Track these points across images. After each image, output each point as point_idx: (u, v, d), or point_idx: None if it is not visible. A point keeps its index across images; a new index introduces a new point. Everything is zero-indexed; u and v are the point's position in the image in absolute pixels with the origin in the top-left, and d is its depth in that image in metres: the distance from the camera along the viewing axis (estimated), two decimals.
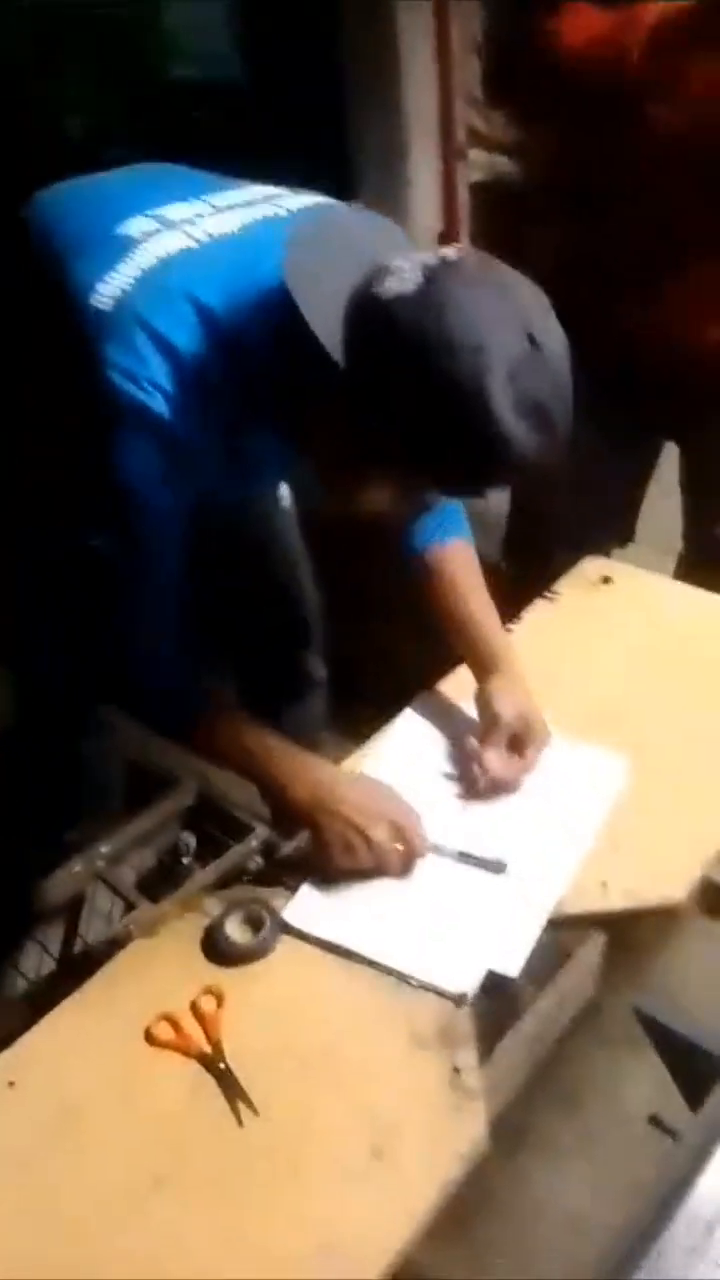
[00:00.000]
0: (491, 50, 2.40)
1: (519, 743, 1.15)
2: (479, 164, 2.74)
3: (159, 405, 0.94)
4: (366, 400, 0.88)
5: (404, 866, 1.05)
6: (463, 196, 2.75)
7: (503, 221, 2.75)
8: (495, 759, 1.14)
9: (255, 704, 1.70)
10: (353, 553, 1.43)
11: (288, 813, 1.10)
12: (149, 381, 0.93)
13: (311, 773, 1.07)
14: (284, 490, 1.53)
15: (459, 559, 1.23)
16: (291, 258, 0.90)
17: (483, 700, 1.17)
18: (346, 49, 2.69)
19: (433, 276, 0.86)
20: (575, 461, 1.68)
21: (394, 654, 2.16)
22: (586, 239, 1.55)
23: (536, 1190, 1.29)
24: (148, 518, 0.99)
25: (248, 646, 1.63)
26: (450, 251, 0.89)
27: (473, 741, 1.16)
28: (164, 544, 1.03)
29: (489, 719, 1.16)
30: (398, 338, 0.85)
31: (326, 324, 0.86)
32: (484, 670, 1.19)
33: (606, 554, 1.75)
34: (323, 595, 1.63)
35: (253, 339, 0.96)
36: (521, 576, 1.84)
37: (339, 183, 2.69)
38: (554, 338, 0.89)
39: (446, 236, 2.90)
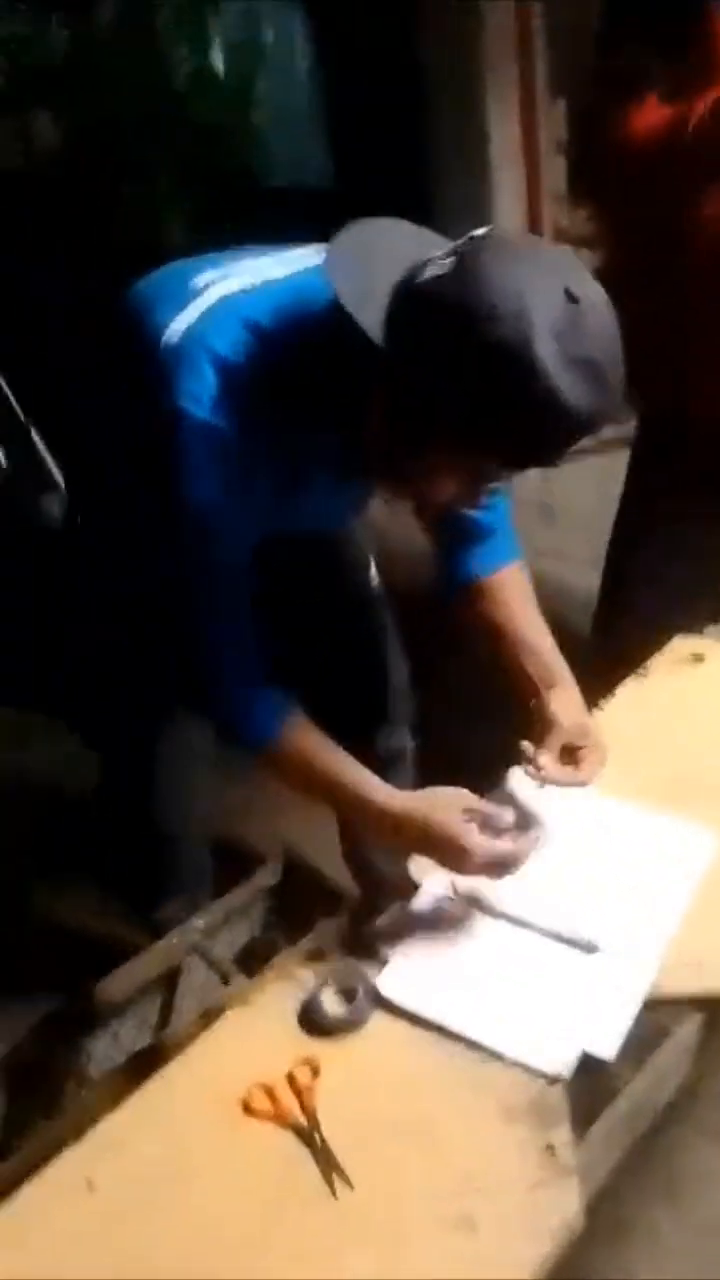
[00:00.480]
0: (573, 148, 2.50)
1: (574, 753, 1.15)
2: None
3: (219, 419, 0.98)
4: (413, 378, 0.89)
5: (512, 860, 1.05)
6: None
7: None
8: (550, 761, 1.13)
9: None
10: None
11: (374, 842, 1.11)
12: (209, 398, 0.98)
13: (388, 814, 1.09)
14: (373, 571, 1.57)
15: (512, 582, 1.24)
16: (332, 258, 0.95)
17: (539, 708, 1.17)
18: (435, 152, 2.82)
19: (465, 253, 0.89)
20: (663, 542, 1.72)
21: (457, 733, 2.17)
22: (660, 322, 1.59)
23: None
24: (217, 538, 1.03)
25: (337, 719, 1.65)
26: (478, 231, 0.92)
27: (527, 744, 1.15)
28: (234, 562, 1.06)
29: (544, 723, 1.15)
30: (436, 313, 0.87)
31: (367, 310, 0.90)
32: (541, 685, 1.19)
33: (698, 632, 1.76)
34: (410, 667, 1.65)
35: (305, 345, 1.00)
36: (611, 655, 1.85)
37: None
38: (593, 291, 0.90)
39: None
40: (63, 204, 2.83)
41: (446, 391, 0.89)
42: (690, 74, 1.45)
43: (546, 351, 0.86)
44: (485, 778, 1.24)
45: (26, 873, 1.94)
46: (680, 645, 1.47)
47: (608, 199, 1.74)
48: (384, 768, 1.65)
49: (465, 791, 1.09)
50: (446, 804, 1.07)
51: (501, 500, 1.27)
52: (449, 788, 1.10)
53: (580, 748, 1.15)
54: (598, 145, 1.63)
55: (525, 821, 1.14)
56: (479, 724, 1.33)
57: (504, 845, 1.05)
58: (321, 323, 0.98)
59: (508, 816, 1.08)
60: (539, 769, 1.13)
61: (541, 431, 0.91)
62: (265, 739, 1.11)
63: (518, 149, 2.62)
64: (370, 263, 0.94)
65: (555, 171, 2.58)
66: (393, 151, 2.79)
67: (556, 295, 0.87)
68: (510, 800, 1.19)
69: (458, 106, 2.66)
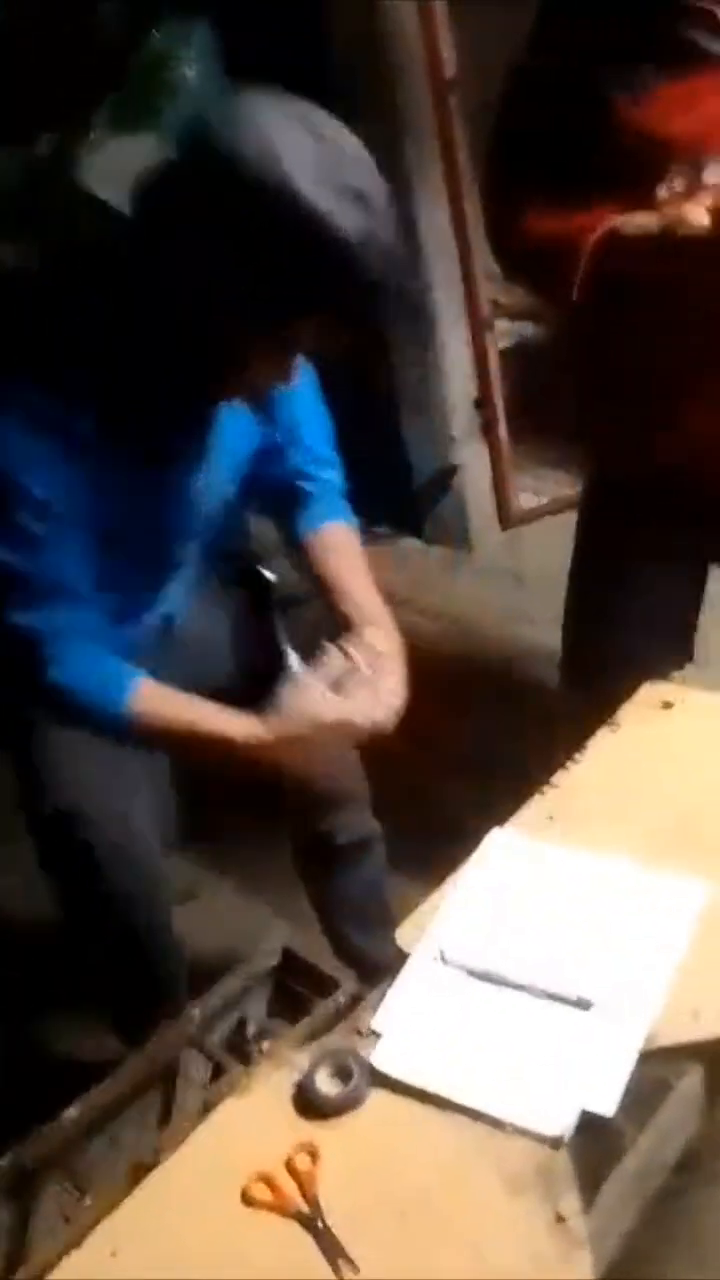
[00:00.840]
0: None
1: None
2: (505, 332, 2.93)
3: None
4: (180, 250, 0.91)
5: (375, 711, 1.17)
6: (494, 363, 2.92)
7: (534, 381, 2.90)
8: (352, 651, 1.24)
9: (313, 873, 1.72)
10: None
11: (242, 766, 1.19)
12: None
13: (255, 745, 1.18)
14: (293, 660, 1.59)
15: (339, 535, 1.38)
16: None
17: (348, 638, 1.26)
18: None
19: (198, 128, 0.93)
20: (628, 588, 1.75)
21: (436, 791, 2.18)
22: (605, 379, 1.63)
23: None
24: (42, 506, 1.08)
25: (290, 818, 1.65)
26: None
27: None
28: (61, 530, 1.10)
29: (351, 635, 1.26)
30: (184, 177, 0.90)
31: (113, 193, 0.97)
32: (354, 622, 1.28)
33: (666, 678, 1.79)
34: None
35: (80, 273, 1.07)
36: (581, 707, 1.87)
37: (375, 361, 2.88)
38: (343, 133, 0.93)
39: (482, 402, 3.06)
40: None
41: (214, 249, 0.90)
42: (586, 181, 1.43)
43: (303, 180, 0.87)
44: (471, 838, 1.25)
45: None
46: (649, 693, 1.48)
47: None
48: (347, 855, 1.64)
49: (302, 680, 1.20)
50: (294, 700, 1.15)
51: (330, 472, 1.45)
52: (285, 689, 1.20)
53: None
54: (498, 242, 1.65)
55: (369, 658, 1.24)
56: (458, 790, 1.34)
57: (364, 692, 1.16)
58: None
59: (337, 661, 1.18)
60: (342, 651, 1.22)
61: (318, 262, 0.91)
62: (117, 715, 1.18)
63: (447, 233, 2.71)
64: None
65: (486, 251, 2.68)
66: None
67: (304, 136, 0.90)
68: (334, 655, 1.25)
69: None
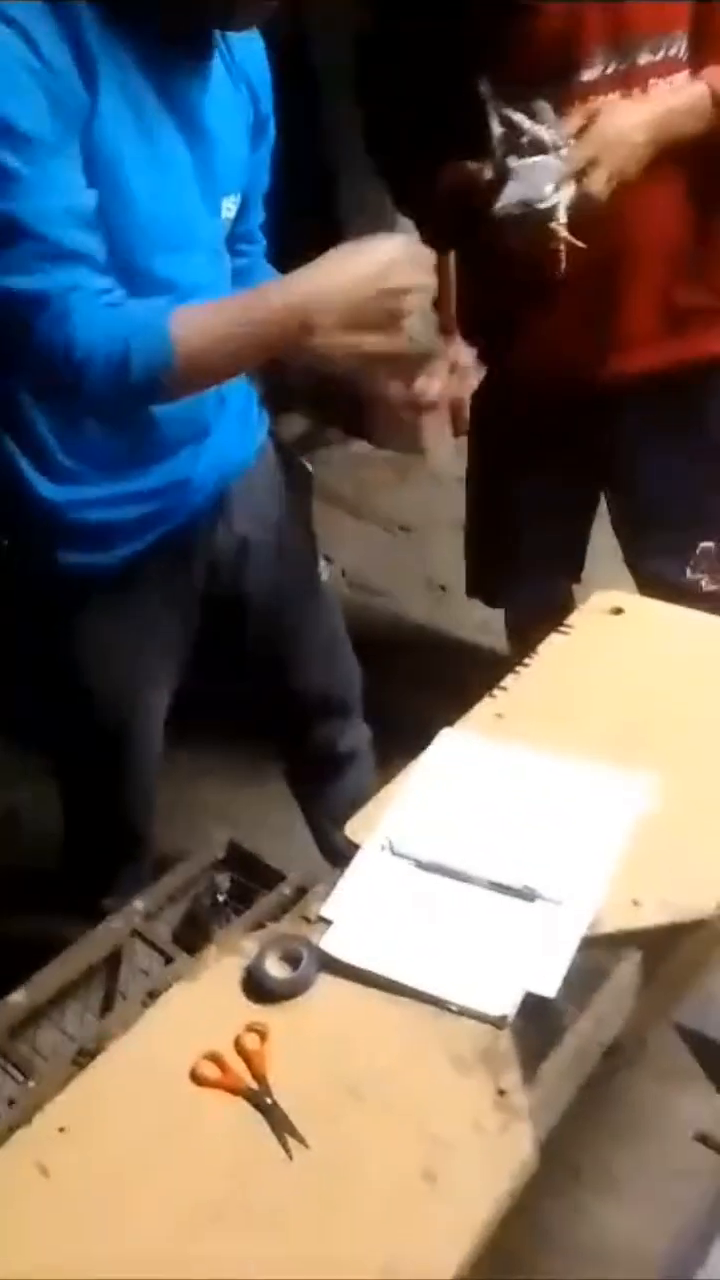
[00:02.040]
0: None
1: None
2: None
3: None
4: None
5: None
6: (451, 274, 2.86)
7: None
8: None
9: (302, 781, 1.75)
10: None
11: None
12: None
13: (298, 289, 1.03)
14: (323, 565, 1.58)
15: None
16: None
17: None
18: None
19: None
20: (516, 503, 1.77)
21: (408, 698, 2.20)
22: (481, 294, 1.66)
23: (594, 1225, 1.27)
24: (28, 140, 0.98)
25: (294, 727, 1.67)
26: None
27: None
28: (58, 173, 1.00)
29: None
30: None
31: None
32: None
33: (559, 594, 1.84)
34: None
35: None
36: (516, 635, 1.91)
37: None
38: None
39: (438, 306, 3.00)
40: None
41: None
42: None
43: None
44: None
45: None
46: (599, 599, 1.49)
47: None
48: (346, 762, 1.69)
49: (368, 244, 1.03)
50: (348, 254, 1.02)
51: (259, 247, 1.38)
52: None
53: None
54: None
55: None
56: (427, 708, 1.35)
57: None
58: None
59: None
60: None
61: None
62: (164, 350, 1.03)
63: None
64: None
65: None
66: None
67: None
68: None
69: None
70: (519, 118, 1.24)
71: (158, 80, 1.08)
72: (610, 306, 1.53)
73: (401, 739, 1.32)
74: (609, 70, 1.38)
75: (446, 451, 3.12)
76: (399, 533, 3.09)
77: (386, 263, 1.02)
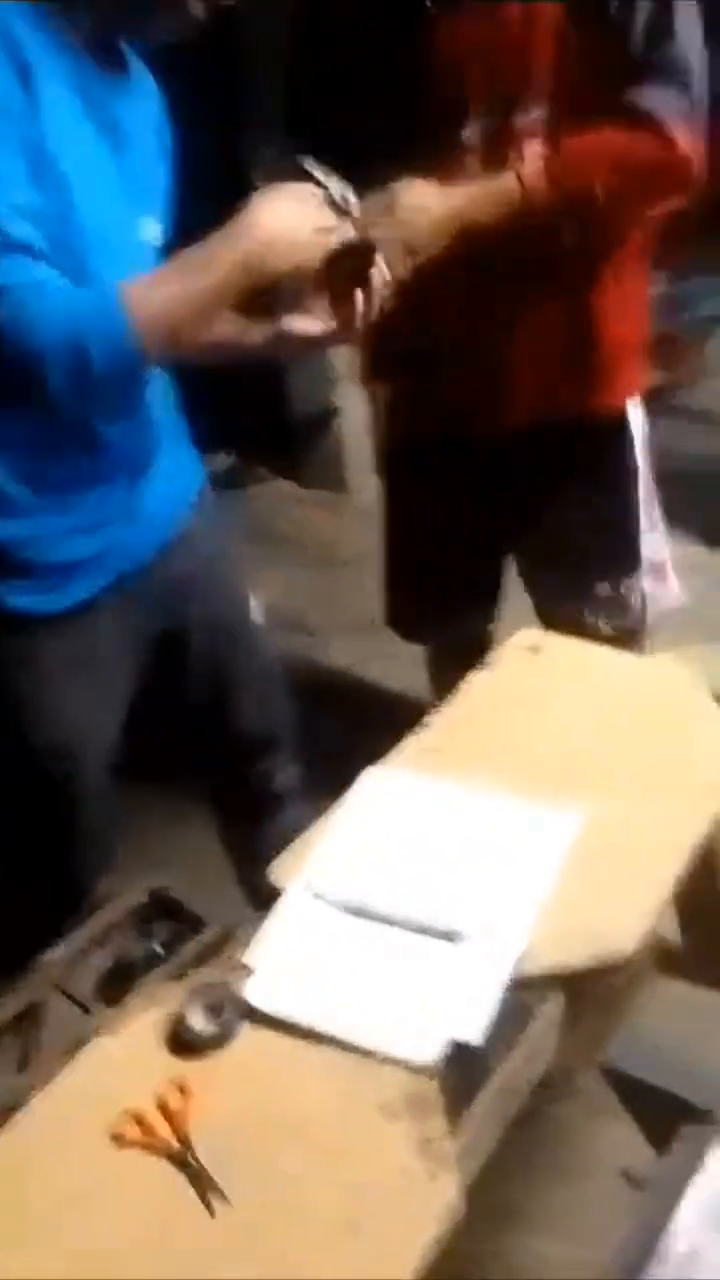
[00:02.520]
0: None
1: None
2: None
3: None
4: None
5: None
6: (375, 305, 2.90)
7: None
8: None
9: (233, 821, 1.72)
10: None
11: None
12: None
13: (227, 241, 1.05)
14: (254, 605, 1.57)
15: None
16: None
17: None
18: None
19: None
20: (433, 542, 1.80)
21: (336, 737, 2.20)
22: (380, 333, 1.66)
23: (524, 1264, 1.26)
24: None
25: (224, 768, 1.65)
26: None
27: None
28: None
29: None
30: None
31: None
32: None
33: (483, 633, 1.86)
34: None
35: None
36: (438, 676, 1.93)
37: None
38: None
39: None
40: None
41: None
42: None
43: None
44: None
45: None
46: (518, 638, 1.51)
47: None
48: (279, 801, 1.67)
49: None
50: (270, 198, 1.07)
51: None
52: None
53: None
54: None
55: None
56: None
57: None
58: None
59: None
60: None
61: None
62: (119, 325, 1.03)
63: None
64: None
65: None
66: None
67: None
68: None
69: None
70: (321, 175, 1.25)
71: (83, 89, 1.09)
72: (488, 364, 1.56)
73: (329, 779, 1.32)
74: (485, 128, 1.40)
75: (372, 489, 3.14)
76: (326, 569, 3.09)
77: (310, 203, 1.08)
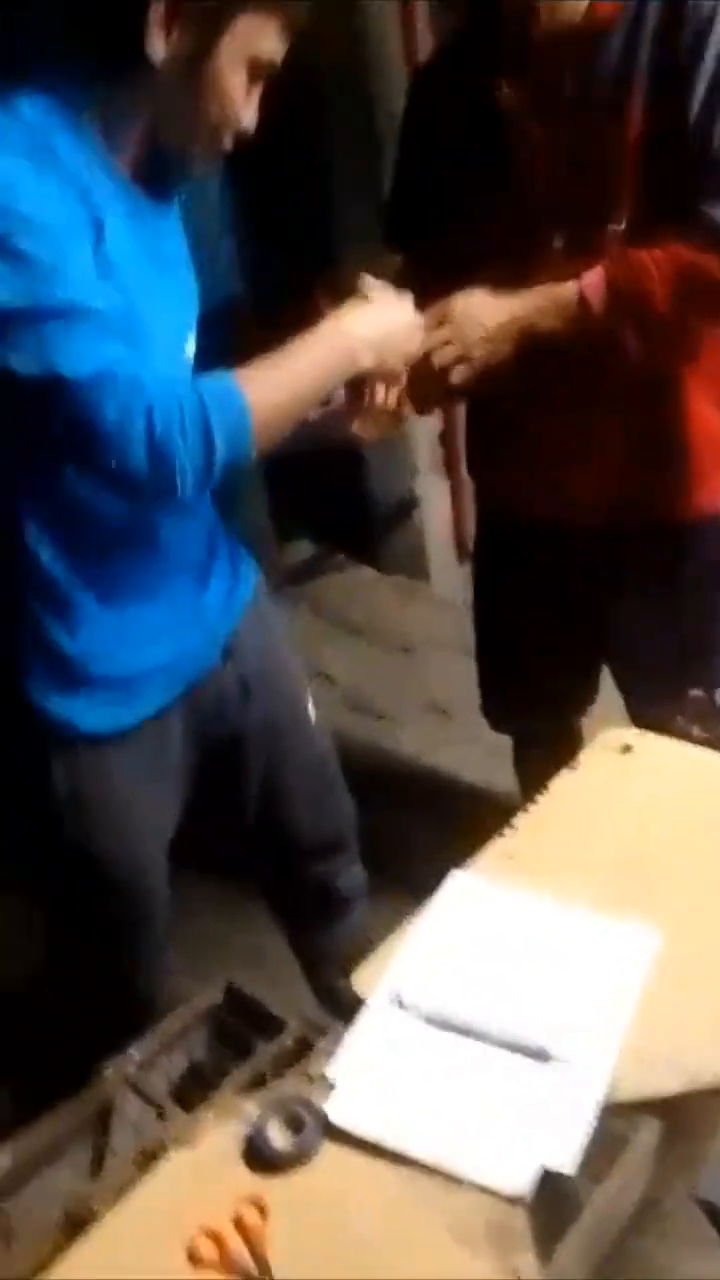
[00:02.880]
0: None
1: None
2: None
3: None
4: None
5: None
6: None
7: None
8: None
9: (299, 925, 1.70)
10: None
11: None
12: None
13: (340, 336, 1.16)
14: (310, 706, 1.57)
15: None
16: None
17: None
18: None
19: None
20: (525, 634, 1.79)
21: (410, 828, 2.17)
22: (471, 424, 1.75)
23: None
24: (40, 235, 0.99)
25: (289, 869, 1.63)
26: None
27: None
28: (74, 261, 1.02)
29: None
30: None
31: None
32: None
33: (575, 717, 1.85)
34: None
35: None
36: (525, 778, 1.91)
37: None
38: None
39: (445, 437, 3.08)
40: None
41: None
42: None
43: None
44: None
45: None
46: (609, 737, 1.47)
47: None
48: (345, 904, 1.64)
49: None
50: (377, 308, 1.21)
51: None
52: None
53: None
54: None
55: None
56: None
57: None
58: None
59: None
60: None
61: None
62: (241, 409, 1.07)
63: None
64: None
65: None
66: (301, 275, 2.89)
67: None
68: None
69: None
70: (367, 280, 1.29)
71: (133, 216, 1.13)
72: (571, 463, 1.56)
73: (405, 875, 1.30)
74: (570, 238, 1.43)
75: (452, 577, 3.16)
76: (402, 655, 3.09)
77: (407, 320, 1.25)
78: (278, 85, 1.15)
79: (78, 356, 0.99)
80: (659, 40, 1.32)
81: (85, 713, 1.25)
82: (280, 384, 1.11)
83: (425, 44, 2.67)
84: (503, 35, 1.37)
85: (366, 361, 1.18)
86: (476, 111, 1.42)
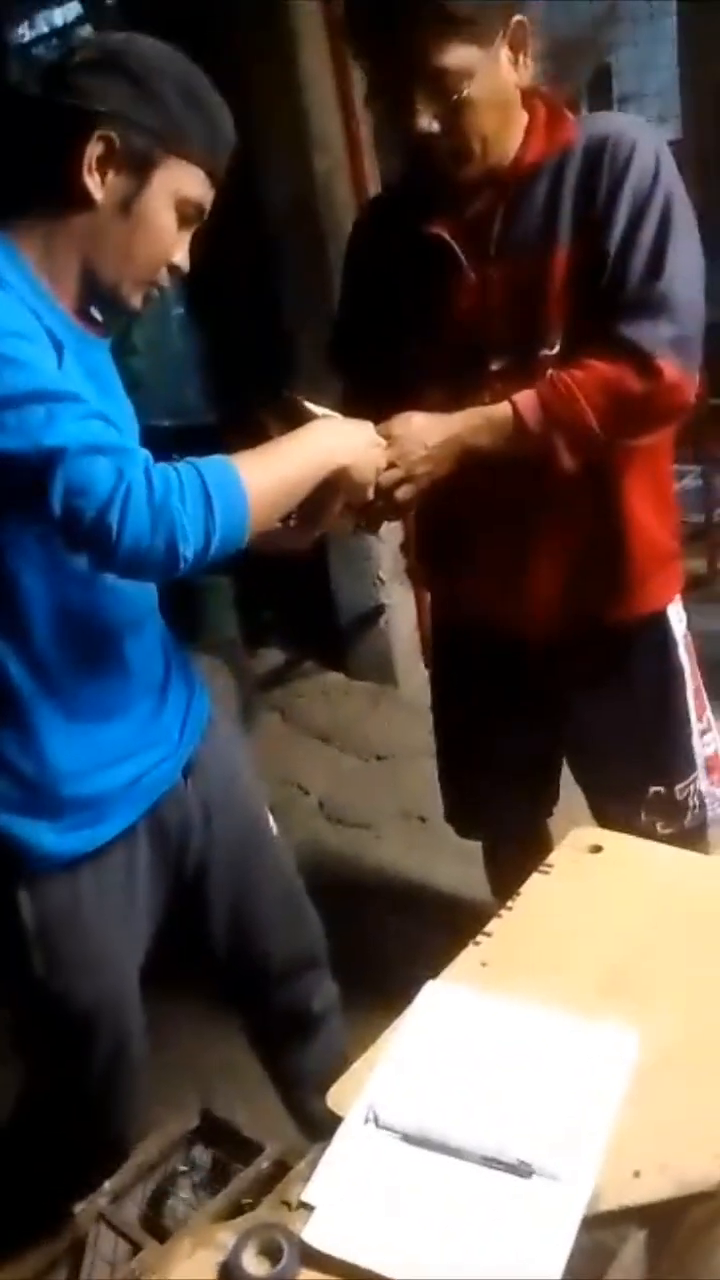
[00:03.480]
0: None
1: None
2: None
3: None
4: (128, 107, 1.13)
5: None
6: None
7: None
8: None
9: (274, 1046, 1.66)
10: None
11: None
12: None
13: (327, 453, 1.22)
14: (270, 820, 1.57)
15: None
16: None
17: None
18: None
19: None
20: (485, 738, 1.81)
21: (388, 936, 2.14)
22: (423, 532, 1.80)
23: None
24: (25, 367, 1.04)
25: (261, 989, 1.60)
26: None
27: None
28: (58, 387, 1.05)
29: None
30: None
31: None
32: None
33: (536, 821, 1.86)
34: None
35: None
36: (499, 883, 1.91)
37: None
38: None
39: (408, 546, 3.15)
40: None
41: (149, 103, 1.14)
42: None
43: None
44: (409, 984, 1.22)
45: None
46: (578, 836, 1.48)
47: None
48: (318, 1022, 1.62)
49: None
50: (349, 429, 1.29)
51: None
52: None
53: None
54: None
55: None
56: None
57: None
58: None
59: None
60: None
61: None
62: (239, 494, 1.09)
63: None
64: None
65: None
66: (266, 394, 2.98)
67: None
68: None
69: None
70: (309, 406, 1.35)
71: (77, 344, 1.20)
72: (514, 574, 1.61)
73: (381, 986, 1.28)
74: (509, 362, 1.50)
75: (419, 682, 3.18)
76: (375, 762, 3.10)
77: (368, 434, 1.32)
78: (230, 228, 1.23)
79: (65, 432, 1.02)
80: (581, 188, 1.43)
81: (51, 835, 1.24)
82: (269, 468, 1.15)
83: (374, 187, 2.81)
84: (437, 179, 1.46)
85: (344, 459, 1.24)
86: (415, 248, 1.51)
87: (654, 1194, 0.98)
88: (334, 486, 1.24)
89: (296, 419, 1.29)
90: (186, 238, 1.23)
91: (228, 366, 3.42)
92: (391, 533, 3.08)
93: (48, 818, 1.23)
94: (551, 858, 1.44)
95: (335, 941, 1.66)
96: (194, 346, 3.90)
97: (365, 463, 1.27)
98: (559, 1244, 0.92)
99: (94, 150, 1.13)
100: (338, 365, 1.71)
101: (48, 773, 1.22)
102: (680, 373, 1.42)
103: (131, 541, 1.02)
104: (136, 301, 1.24)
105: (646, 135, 1.45)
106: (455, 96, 1.34)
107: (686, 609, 1.73)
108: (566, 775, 1.88)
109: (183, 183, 1.18)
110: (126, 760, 1.28)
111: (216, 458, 1.11)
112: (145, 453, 1.08)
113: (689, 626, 1.72)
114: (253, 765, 1.58)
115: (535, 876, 1.41)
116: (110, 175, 1.14)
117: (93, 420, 1.05)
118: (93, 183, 1.14)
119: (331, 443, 1.23)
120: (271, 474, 1.15)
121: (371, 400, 1.41)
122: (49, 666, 1.21)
